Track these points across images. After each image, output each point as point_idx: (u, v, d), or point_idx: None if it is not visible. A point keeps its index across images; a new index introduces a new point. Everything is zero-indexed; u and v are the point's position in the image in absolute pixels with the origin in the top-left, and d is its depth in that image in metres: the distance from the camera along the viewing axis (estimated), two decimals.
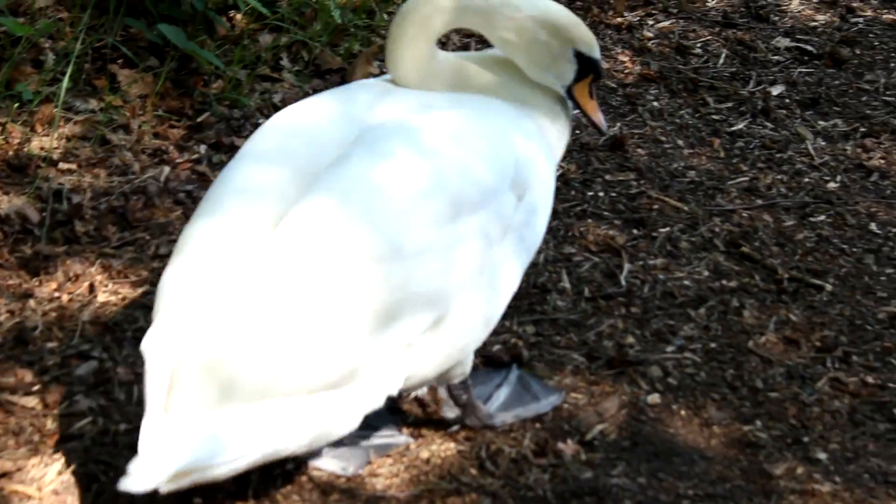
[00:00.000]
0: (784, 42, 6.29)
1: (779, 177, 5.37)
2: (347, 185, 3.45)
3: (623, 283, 4.71)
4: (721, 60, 6.15)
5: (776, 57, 6.19)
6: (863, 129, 5.67)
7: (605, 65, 5.94)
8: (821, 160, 5.48)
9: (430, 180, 3.49)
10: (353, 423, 3.48)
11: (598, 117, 3.94)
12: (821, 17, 6.50)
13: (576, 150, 5.42)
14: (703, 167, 5.37)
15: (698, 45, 6.23)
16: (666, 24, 6.39)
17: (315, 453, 3.79)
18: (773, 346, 4.43)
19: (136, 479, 3.13)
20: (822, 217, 5.13)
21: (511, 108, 3.79)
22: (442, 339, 3.56)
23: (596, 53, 3.83)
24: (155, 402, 3.26)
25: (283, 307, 3.29)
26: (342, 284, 3.32)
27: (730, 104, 5.83)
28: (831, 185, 5.33)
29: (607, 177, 5.31)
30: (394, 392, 3.54)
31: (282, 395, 3.31)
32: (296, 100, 5.35)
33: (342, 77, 5.62)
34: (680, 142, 5.59)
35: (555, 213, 4.79)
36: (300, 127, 3.68)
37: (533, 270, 4.67)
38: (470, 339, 3.64)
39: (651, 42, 6.23)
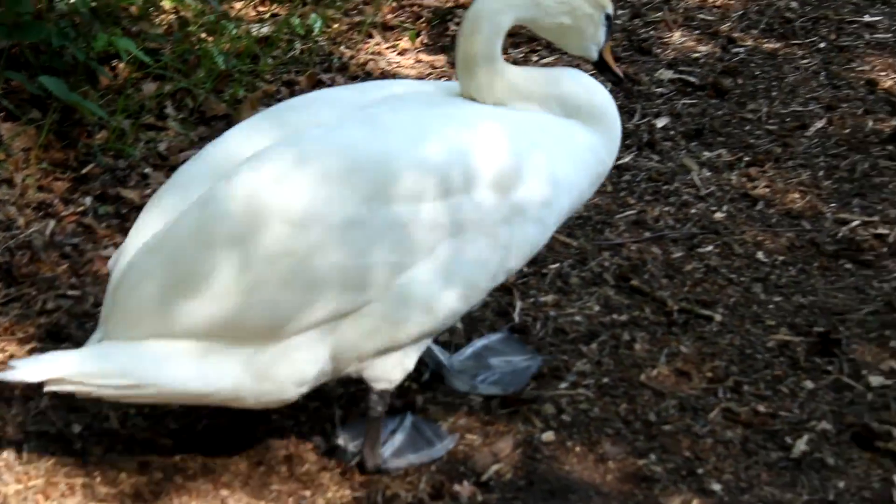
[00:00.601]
0: (667, 74, 6.35)
1: (666, 209, 5.42)
2: (278, 154, 3.79)
3: (516, 320, 4.73)
4: None
5: (660, 89, 6.26)
6: (747, 159, 5.73)
7: None
8: (707, 191, 5.54)
9: (362, 162, 3.76)
10: (285, 390, 3.81)
11: (619, 69, 4.36)
12: (703, 49, 6.57)
13: None
14: (591, 202, 5.40)
15: None
16: (550, 59, 6.43)
17: None
18: (664, 379, 4.47)
19: (16, 371, 3.59)
20: (710, 247, 5.18)
21: (546, 119, 4.09)
22: (371, 316, 3.79)
23: (613, 13, 4.25)
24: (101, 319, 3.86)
25: (181, 258, 3.71)
26: (258, 244, 3.68)
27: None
28: (718, 215, 5.38)
29: None
30: (321, 366, 3.82)
31: (180, 336, 3.73)
32: (181, 148, 5.33)
33: (227, 123, 5.59)
34: None
35: None
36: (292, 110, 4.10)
37: None
38: (405, 321, 3.83)
39: None
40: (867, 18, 6.59)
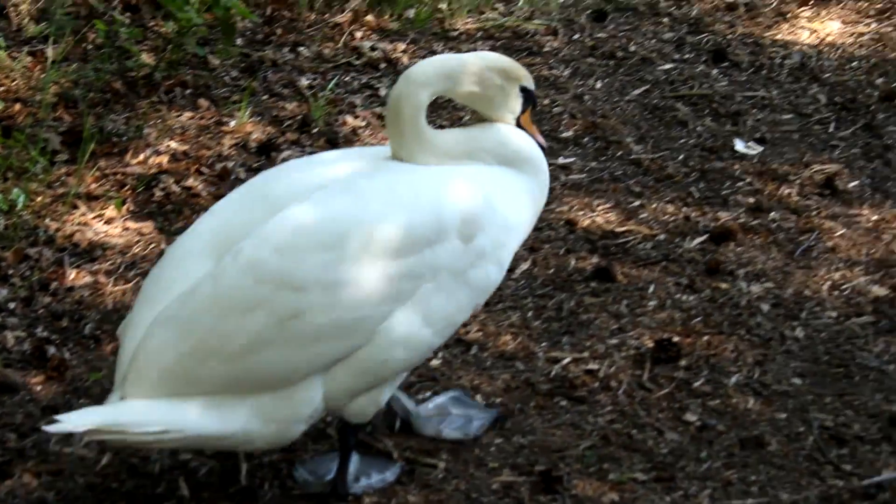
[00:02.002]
0: None
1: None
2: (276, 228, 4.36)
3: (243, 482, 4.72)
4: None
5: None
6: None
7: None
8: None
9: (351, 227, 4.36)
10: (290, 430, 4.45)
11: (541, 138, 4.86)
12: None
13: None
14: None
15: None
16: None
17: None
18: None
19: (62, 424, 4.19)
20: (428, 394, 5.25)
21: (486, 170, 4.66)
22: (360, 359, 4.40)
23: (533, 86, 4.82)
24: (116, 382, 4.42)
25: (199, 329, 4.29)
26: (267, 310, 4.28)
27: None
28: (434, 362, 5.46)
29: None
30: (316, 406, 4.43)
31: (210, 393, 4.32)
32: None
33: None
34: None
35: None
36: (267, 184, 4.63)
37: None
38: (390, 360, 4.45)
39: None
40: (561, 160, 6.84)
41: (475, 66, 4.69)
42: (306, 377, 4.36)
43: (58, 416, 4.24)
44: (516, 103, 4.78)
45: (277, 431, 4.40)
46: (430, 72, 4.63)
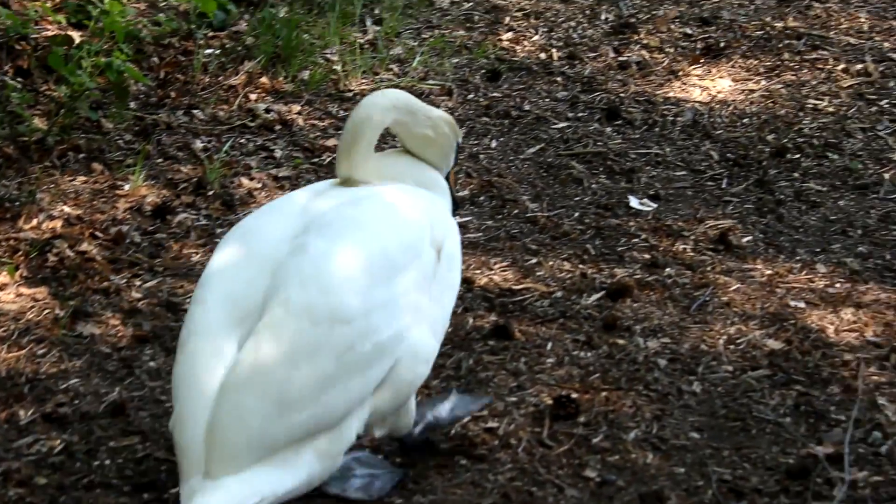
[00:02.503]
0: None
1: None
2: (311, 269, 4.55)
3: None
4: None
5: None
6: None
7: (97, 330, 5.94)
8: None
9: (368, 252, 4.63)
10: (337, 462, 4.64)
11: (457, 196, 5.43)
12: None
13: (76, 421, 5.34)
14: None
15: (187, 300, 6.27)
16: (153, 282, 6.41)
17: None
18: None
19: None
20: None
21: (422, 189, 5.01)
22: (394, 380, 4.65)
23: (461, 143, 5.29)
24: (189, 469, 4.40)
25: (275, 383, 4.40)
26: (326, 348, 4.46)
27: None
28: None
29: (111, 444, 5.25)
30: (357, 431, 4.64)
31: (284, 448, 4.44)
32: None
33: None
34: None
35: None
36: (260, 225, 4.81)
37: None
38: (415, 376, 4.75)
39: (141, 302, 6.23)
40: (457, 220, 6.86)
41: (434, 112, 5.10)
42: (358, 407, 4.59)
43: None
44: (452, 158, 5.22)
45: (329, 467, 4.61)
46: (397, 100, 5.01)
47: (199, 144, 7.49)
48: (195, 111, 7.81)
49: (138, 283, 6.41)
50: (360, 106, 4.95)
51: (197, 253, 6.64)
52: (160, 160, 7.36)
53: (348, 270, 4.57)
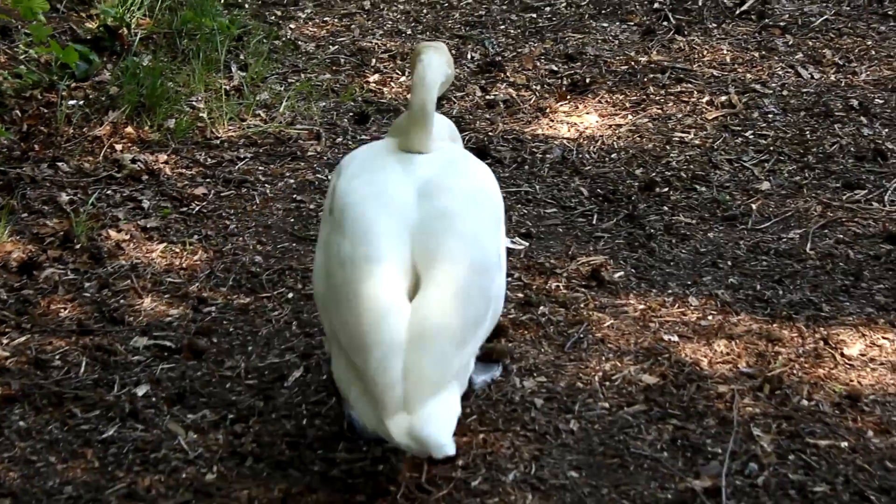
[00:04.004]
0: (142, 341, 6.30)
1: (157, 477, 5.36)
2: (458, 228, 5.22)
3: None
4: (82, 369, 6.08)
5: (136, 357, 6.20)
6: (231, 416, 5.76)
7: None
8: (195, 454, 5.52)
9: (489, 211, 5.43)
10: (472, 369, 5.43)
11: None
12: (174, 312, 6.58)
13: None
14: (80, 479, 5.29)
15: (57, 356, 6.16)
16: (21, 340, 6.29)
17: None
18: None
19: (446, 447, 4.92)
20: None
21: (460, 146, 5.87)
22: (494, 317, 5.40)
23: None
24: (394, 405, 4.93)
25: (452, 328, 5.05)
26: (477, 301, 5.18)
27: (97, 412, 5.77)
28: (209, 476, 5.37)
29: None
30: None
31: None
32: None
33: None
34: (52, 458, 5.48)
35: None
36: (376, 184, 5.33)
37: None
38: (498, 314, 5.49)
39: (9, 361, 6.10)
40: None
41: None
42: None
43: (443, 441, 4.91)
44: None
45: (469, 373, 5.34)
46: (441, 48, 5.50)
47: (64, 197, 7.38)
48: (60, 163, 7.70)
49: (5, 340, 6.28)
50: (425, 68, 5.32)
51: (65, 308, 6.52)
52: (25, 215, 7.24)
53: (483, 226, 5.28)
